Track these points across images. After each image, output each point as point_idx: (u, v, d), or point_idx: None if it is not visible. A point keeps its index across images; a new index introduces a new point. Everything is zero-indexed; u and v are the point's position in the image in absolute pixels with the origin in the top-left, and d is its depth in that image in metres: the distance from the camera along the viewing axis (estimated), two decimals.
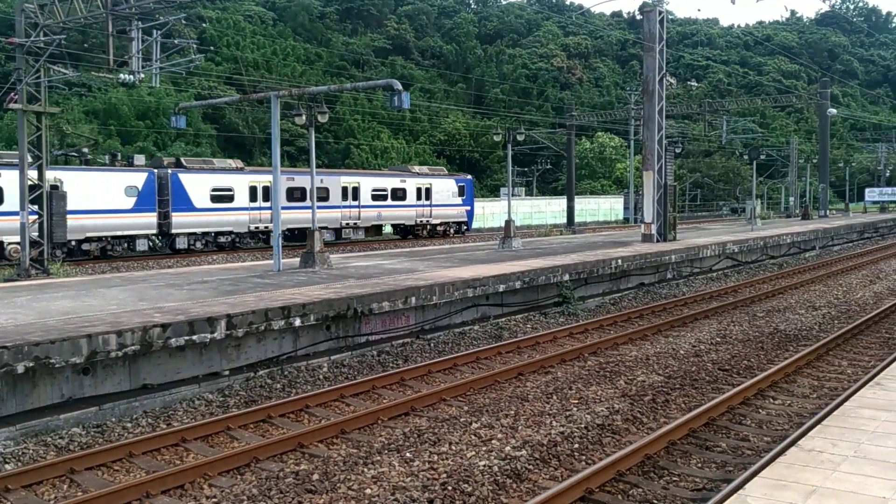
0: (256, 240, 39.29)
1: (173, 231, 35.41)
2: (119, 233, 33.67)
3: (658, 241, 28.41)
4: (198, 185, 36.09)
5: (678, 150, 41.23)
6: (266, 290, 15.64)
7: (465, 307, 17.20)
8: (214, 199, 36.73)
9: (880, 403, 8.39)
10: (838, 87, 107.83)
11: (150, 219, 34.59)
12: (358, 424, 10.34)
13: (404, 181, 46.28)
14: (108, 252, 33.81)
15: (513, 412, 10.78)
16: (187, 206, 35.69)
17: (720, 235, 32.77)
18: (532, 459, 8.90)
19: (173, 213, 35.17)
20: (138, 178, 34.42)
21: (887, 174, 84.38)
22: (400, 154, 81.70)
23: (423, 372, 13.17)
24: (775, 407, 11.12)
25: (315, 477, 8.48)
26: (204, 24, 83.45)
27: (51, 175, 30.80)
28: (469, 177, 53.52)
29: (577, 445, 9.42)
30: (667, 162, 29.23)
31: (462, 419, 10.51)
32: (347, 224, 42.82)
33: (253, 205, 38.24)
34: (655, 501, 7.93)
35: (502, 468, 8.59)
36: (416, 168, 50.46)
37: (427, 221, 47.39)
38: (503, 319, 17.82)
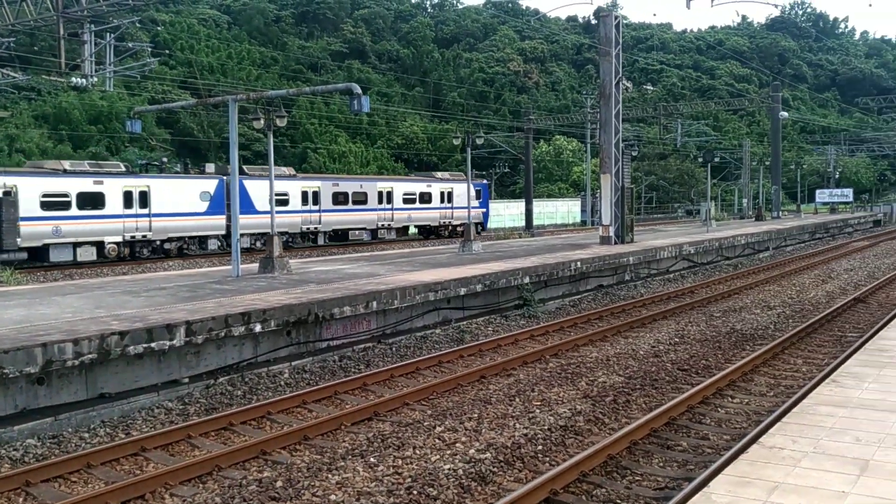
0: (306, 239, 42.73)
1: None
2: (194, 234, 36.55)
3: (616, 243, 28.69)
4: (259, 191, 38.38)
5: (634, 154, 41.87)
6: (225, 295, 15.46)
7: (426, 311, 17.19)
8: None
9: (837, 400, 8.57)
10: (788, 91, 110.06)
11: (220, 221, 37.20)
12: (321, 430, 10.26)
13: (430, 186, 49.91)
14: (185, 251, 36.03)
15: (476, 415, 10.79)
16: (250, 209, 37.79)
17: (676, 237, 33.21)
18: (496, 462, 8.92)
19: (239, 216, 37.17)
20: (210, 185, 37.30)
21: (836, 176, 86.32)
22: (358, 158, 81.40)
23: (386, 376, 13.12)
24: (734, 405, 11.29)
25: (279, 484, 8.40)
26: (158, 28, 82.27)
27: (141, 182, 34.60)
28: (485, 182, 57.03)
29: (540, 447, 9.46)
30: (624, 165, 29.55)
31: (426, 423, 10.49)
32: (382, 225, 46.63)
33: (304, 208, 41.80)
34: (619, 501, 7.99)
35: (467, 471, 8.59)
36: (439, 174, 54.23)
37: (449, 222, 50.82)
38: (465, 323, 17.83)
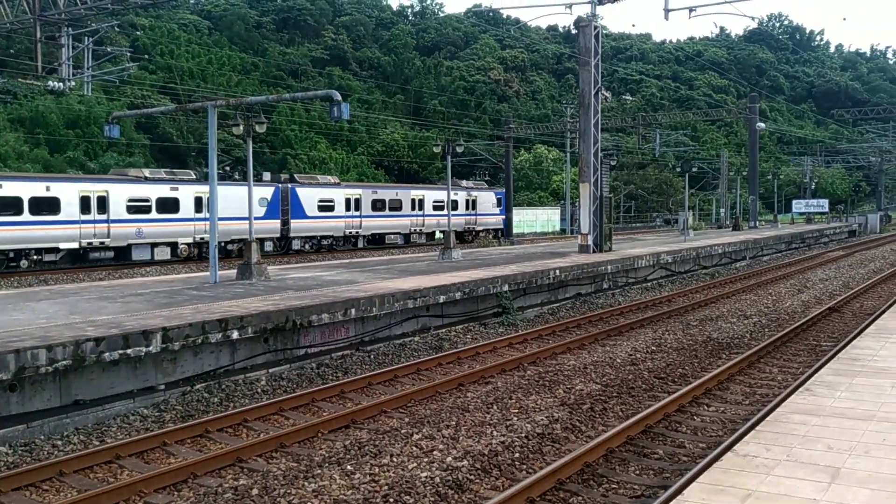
0: (349, 243, 45.90)
1: (291, 235, 41.96)
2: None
3: (594, 251, 28.82)
4: (309, 198, 42.79)
5: (613, 163, 42.40)
6: (202, 302, 15.37)
7: (405, 318, 17.18)
8: (321, 208, 43.60)
9: (810, 409, 8.65)
10: (766, 102, 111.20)
11: (275, 224, 41.17)
12: (297, 438, 10.22)
13: (457, 194, 52.44)
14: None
15: (454, 423, 10.79)
16: (302, 214, 42.42)
17: (654, 246, 33.42)
18: (473, 470, 8.92)
19: (291, 220, 41.84)
20: (268, 192, 40.71)
21: (813, 186, 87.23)
22: (338, 165, 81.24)
23: (364, 384, 13.10)
24: (710, 414, 11.37)
25: (254, 492, 8.36)
26: (137, 32, 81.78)
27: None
28: (503, 190, 61.03)
29: (517, 455, 9.48)
30: (602, 174, 29.70)
31: (403, 431, 10.48)
32: (414, 230, 50.48)
33: (347, 213, 45.39)
34: None
35: (444, 479, 8.59)
36: (465, 183, 57.40)
37: (473, 228, 54.63)
38: (443, 330, 17.85)
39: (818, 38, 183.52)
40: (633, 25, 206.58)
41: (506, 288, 20.06)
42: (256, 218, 37.31)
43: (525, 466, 9.19)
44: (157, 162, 69.53)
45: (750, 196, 58.43)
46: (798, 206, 79.64)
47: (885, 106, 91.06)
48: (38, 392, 10.73)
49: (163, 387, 12.18)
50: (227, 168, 43.09)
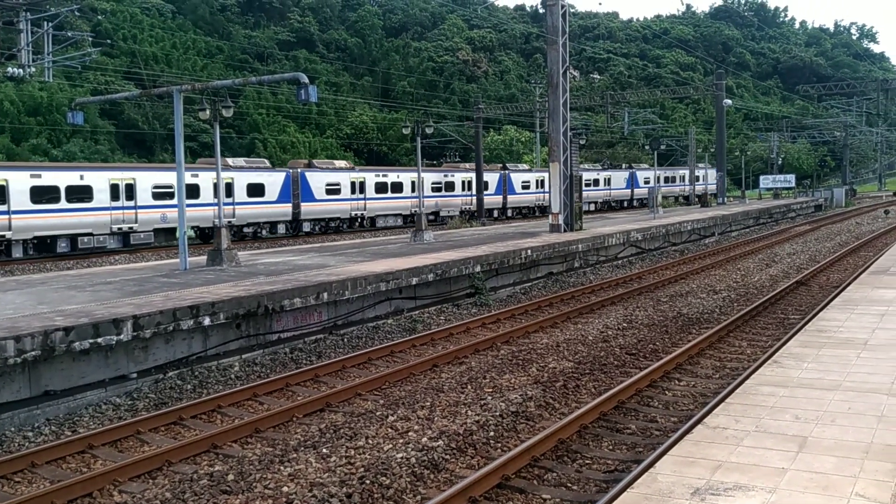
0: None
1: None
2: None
3: (565, 230, 28.96)
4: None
5: (583, 142, 42.65)
6: (173, 289, 15.25)
7: (378, 301, 17.17)
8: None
9: (778, 380, 8.80)
10: (732, 79, 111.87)
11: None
12: (272, 423, 10.22)
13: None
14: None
15: (429, 403, 10.84)
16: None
17: (624, 224, 33.63)
18: (449, 449, 8.98)
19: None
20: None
21: (779, 162, 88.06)
22: (307, 148, 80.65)
23: (338, 367, 13.10)
24: (681, 388, 11.52)
25: (230, 477, 8.35)
26: (98, 17, 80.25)
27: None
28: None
29: (492, 433, 9.55)
30: (572, 153, 29.81)
31: (378, 413, 10.51)
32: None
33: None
34: (570, 485, 8.12)
35: (420, 459, 8.63)
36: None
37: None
38: (417, 312, 17.88)
39: (783, 14, 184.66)
40: (600, 3, 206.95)
41: (478, 269, 20.12)
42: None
43: (500, 444, 9.26)
44: (122, 149, 68.61)
45: (718, 172, 58.86)
46: (765, 181, 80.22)
47: (849, 81, 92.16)
48: (8, 383, 10.61)
49: (135, 375, 12.09)
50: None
